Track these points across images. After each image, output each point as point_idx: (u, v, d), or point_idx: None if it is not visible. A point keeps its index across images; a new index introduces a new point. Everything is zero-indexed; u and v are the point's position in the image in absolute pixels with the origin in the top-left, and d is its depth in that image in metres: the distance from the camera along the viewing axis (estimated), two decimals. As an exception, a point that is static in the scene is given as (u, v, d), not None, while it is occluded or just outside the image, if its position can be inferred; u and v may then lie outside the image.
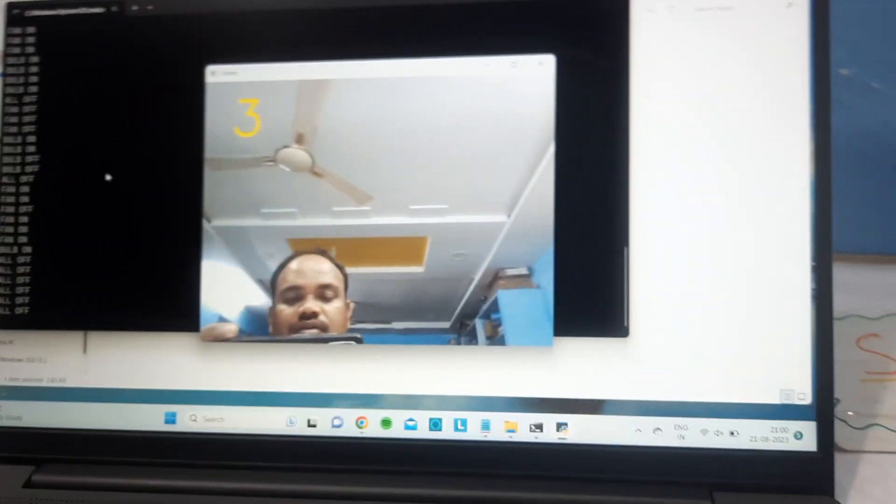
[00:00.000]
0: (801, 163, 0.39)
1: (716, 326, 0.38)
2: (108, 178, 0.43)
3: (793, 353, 0.38)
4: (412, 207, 0.41)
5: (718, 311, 0.38)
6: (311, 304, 0.42)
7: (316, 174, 0.42)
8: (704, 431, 0.38)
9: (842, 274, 0.45)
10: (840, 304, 0.44)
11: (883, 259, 0.51)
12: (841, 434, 0.41)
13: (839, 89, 0.50)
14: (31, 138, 0.44)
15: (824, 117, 0.39)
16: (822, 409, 0.37)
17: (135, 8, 0.44)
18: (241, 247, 0.42)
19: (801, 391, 0.38)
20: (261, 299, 0.42)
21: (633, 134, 0.40)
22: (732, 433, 0.38)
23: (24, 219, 0.44)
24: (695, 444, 0.38)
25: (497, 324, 0.40)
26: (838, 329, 0.45)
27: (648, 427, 0.38)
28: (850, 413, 0.43)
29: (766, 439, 0.38)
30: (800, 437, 0.38)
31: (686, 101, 0.40)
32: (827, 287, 0.38)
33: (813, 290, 0.38)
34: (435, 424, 0.40)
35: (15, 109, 0.44)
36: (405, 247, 0.41)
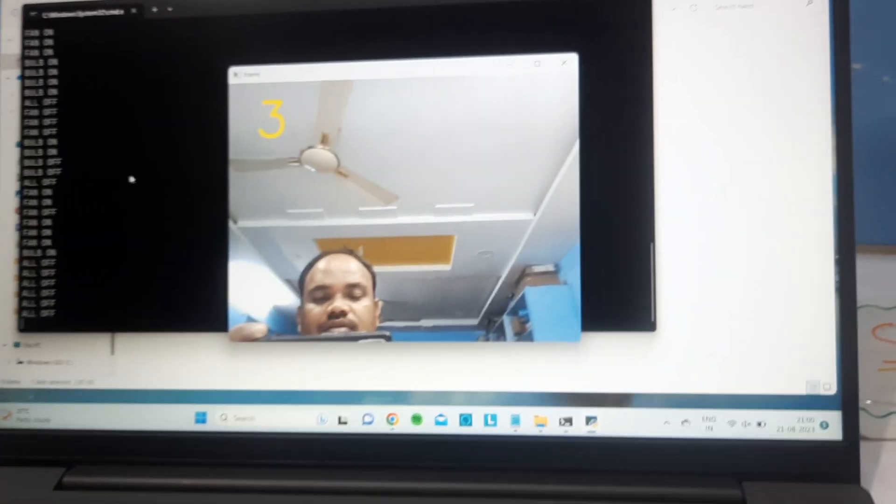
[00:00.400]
0: (823, 157, 0.39)
1: (742, 319, 0.39)
2: (132, 180, 0.43)
3: (818, 345, 0.39)
4: (438, 206, 0.42)
5: (744, 305, 0.39)
6: (340, 303, 0.42)
7: (341, 174, 0.42)
8: (732, 423, 0.39)
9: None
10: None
11: (893, 250, 0.52)
12: (861, 422, 0.42)
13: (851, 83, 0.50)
14: (53, 141, 0.44)
15: (845, 112, 0.39)
16: (847, 398, 0.38)
17: (154, 10, 0.44)
18: (267, 247, 0.42)
19: (827, 382, 0.38)
20: (289, 299, 0.42)
21: (657, 130, 0.40)
22: (760, 424, 0.39)
23: (48, 221, 0.44)
24: (723, 436, 0.39)
25: (525, 320, 0.41)
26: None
27: (677, 419, 0.39)
28: (868, 402, 0.44)
29: (793, 429, 0.39)
30: (826, 427, 0.38)
31: (709, 98, 0.40)
32: (850, 279, 0.39)
33: (836, 282, 0.39)
34: (465, 420, 0.41)
35: (35, 112, 0.44)
36: (432, 245, 0.42)
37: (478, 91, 0.42)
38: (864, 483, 0.38)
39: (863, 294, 0.46)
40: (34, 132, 0.44)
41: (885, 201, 0.51)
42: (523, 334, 0.41)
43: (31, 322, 0.44)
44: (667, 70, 0.40)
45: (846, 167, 0.39)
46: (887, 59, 0.52)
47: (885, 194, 0.52)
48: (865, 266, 0.44)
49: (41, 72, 0.44)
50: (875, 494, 0.38)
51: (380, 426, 0.41)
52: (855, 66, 0.48)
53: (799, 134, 0.40)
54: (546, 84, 0.41)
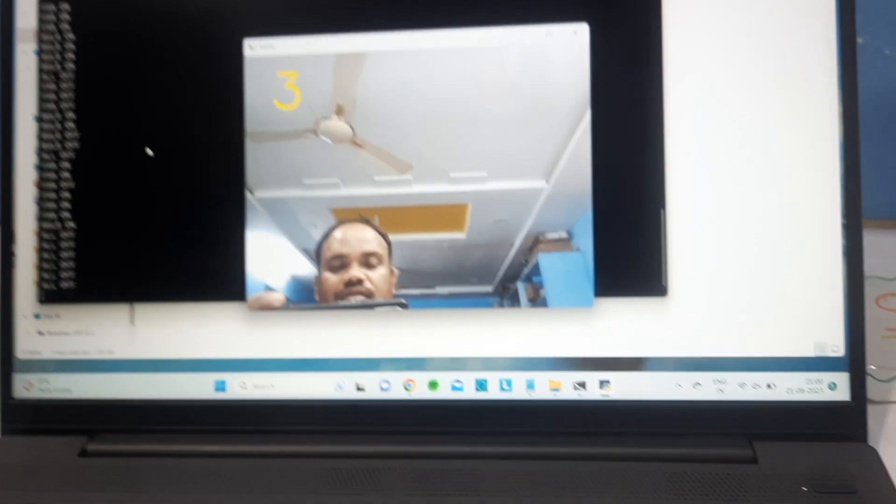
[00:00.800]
0: (830, 125, 0.40)
1: (751, 284, 0.40)
2: (151, 152, 0.44)
3: (826, 308, 0.39)
4: (452, 175, 0.42)
5: (753, 270, 0.40)
6: (356, 272, 0.43)
7: (356, 145, 0.43)
8: (743, 385, 0.40)
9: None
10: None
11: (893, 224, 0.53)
12: (867, 386, 0.43)
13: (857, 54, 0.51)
14: (70, 115, 0.45)
15: (851, 80, 0.40)
16: (855, 360, 0.39)
17: (170, -17, 0.44)
18: (284, 217, 0.43)
19: (835, 344, 0.39)
20: (306, 268, 0.43)
21: (667, 98, 0.41)
22: (769, 385, 0.40)
23: (67, 194, 0.44)
24: (734, 398, 0.40)
25: (539, 286, 0.41)
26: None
27: (688, 382, 0.40)
28: (873, 367, 0.45)
29: (802, 390, 0.40)
30: (834, 388, 0.39)
31: (717, 65, 0.41)
32: (857, 244, 0.40)
33: (844, 246, 0.40)
34: (481, 385, 0.41)
35: (52, 86, 0.45)
36: (446, 214, 0.42)
37: (491, 61, 0.42)
38: (871, 442, 0.39)
39: (866, 265, 0.48)
40: (51, 106, 0.45)
41: (887, 176, 0.52)
42: (537, 300, 0.41)
43: (52, 294, 0.44)
44: (676, 39, 0.41)
45: (853, 134, 0.40)
46: (889, 32, 0.53)
47: (886, 168, 0.52)
48: (868, 239, 0.46)
49: (58, 45, 0.45)
50: (882, 453, 0.39)
51: (396, 392, 0.42)
52: (858, 39, 0.48)
53: (806, 103, 0.40)
54: (558, 54, 0.42)
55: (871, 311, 0.48)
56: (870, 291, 0.49)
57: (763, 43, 0.41)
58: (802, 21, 0.40)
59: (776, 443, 0.39)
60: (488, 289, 0.42)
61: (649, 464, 0.38)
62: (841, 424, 0.39)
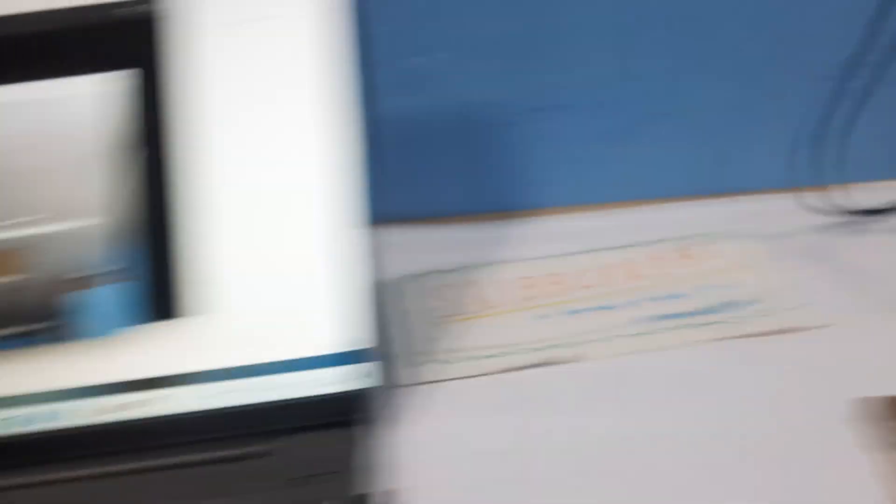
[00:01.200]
0: (346, 139, 0.45)
1: (276, 294, 0.44)
2: None
3: (350, 305, 0.44)
4: (11, 222, 0.44)
5: (277, 281, 0.44)
6: None
7: None
8: (272, 387, 0.44)
9: (417, 235, 0.54)
10: (414, 261, 0.52)
11: (450, 219, 0.60)
12: (410, 372, 0.49)
13: (426, 71, 0.57)
14: None
15: (367, 97, 0.46)
16: (377, 351, 0.44)
17: None
18: None
19: (359, 338, 0.44)
20: None
21: (197, 132, 0.45)
22: (297, 385, 0.44)
23: None
24: (262, 399, 0.43)
25: (84, 319, 0.44)
26: (415, 283, 0.54)
27: (217, 392, 0.43)
28: (416, 352, 0.50)
29: (329, 384, 0.44)
30: (360, 378, 0.44)
31: (238, 97, 0.45)
32: (374, 244, 0.45)
33: (364, 247, 0.44)
34: (22, 420, 0.43)
35: None
36: (4, 259, 0.44)
37: (38, 113, 0.45)
38: (402, 425, 0.45)
39: (423, 261, 0.54)
40: None
41: (418, 181, 0.59)
42: (82, 333, 0.43)
43: None
44: (197, 79, 0.45)
45: (363, 147, 0.45)
46: (469, 47, 0.59)
47: (418, 175, 0.59)
48: (402, 237, 0.52)
49: None
50: (405, 431, 0.45)
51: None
52: (441, 55, 0.55)
53: (325, 120, 0.45)
54: (108, 100, 0.45)
55: (425, 302, 0.54)
56: (425, 284, 0.55)
57: (278, 76, 0.45)
58: (316, 50, 0.45)
59: (298, 435, 0.42)
60: (42, 326, 0.44)
61: (180, 470, 0.42)
62: (364, 411, 0.44)
